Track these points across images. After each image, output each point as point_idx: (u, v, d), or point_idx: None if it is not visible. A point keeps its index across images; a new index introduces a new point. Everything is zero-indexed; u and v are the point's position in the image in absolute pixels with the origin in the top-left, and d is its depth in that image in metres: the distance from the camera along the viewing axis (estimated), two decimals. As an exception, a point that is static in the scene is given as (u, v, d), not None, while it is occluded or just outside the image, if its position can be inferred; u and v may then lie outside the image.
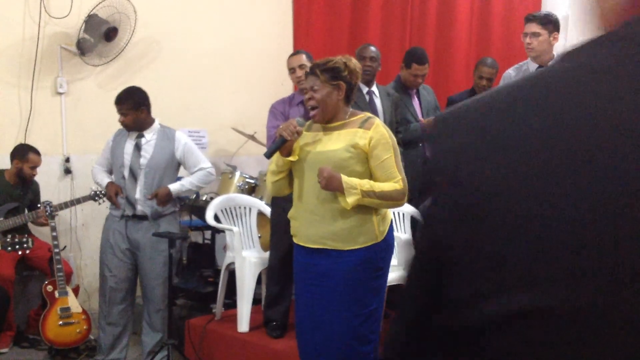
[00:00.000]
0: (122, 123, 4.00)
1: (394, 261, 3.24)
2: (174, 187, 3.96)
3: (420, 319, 0.68)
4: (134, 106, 3.92)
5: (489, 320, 0.56)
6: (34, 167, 4.48)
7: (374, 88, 4.45)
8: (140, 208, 3.95)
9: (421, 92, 4.85)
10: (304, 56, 4.46)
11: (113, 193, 3.99)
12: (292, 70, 4.49)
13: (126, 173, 3.98)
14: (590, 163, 0.49)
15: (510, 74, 4.28)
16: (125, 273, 4.01)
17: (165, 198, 3.93)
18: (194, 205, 4.76)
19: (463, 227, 0.57)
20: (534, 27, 4.01)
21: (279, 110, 4.44)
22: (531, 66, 4.14)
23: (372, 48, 4.53)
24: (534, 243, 0.52)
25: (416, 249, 0.67)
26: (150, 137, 4.00)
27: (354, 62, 2.93)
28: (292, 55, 4.52)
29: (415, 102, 4.81)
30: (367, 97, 4.38)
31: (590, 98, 0.51)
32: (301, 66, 4.43)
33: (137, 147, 3.97)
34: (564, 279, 0.50)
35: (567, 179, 0.50)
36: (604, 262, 0.49)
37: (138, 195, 3.94)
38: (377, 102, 4.43)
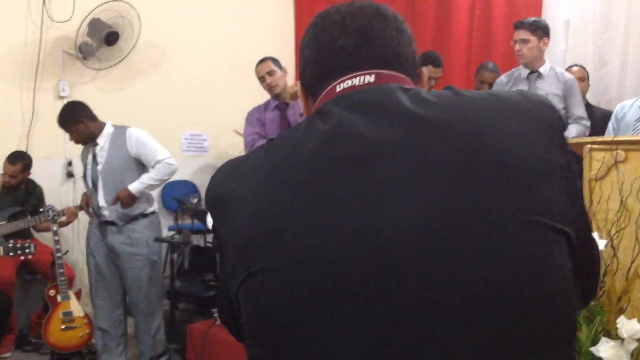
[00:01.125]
0: (73, 141, 4.00)
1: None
2: (133, 186, 3.89)
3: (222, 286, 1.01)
4: (72, 123, 3.88)
5: (238, 283, 0.89)
6: (13, 176, 4.48)
7: None
8: (107, 214, 3.93)
9: None
10: (270, 62, 4.42)
11: (84, 203, 4.04)
12: (261, 79, 4.43)
13: (89, 183, 3.98)
14: (274, 185, 0.87)
15: (503, 80, 4.28)
16: (110, 279, 3.99)
17: (127, 199, 3.87)
18: (196, 209, 4.76)
19: (223, 225, 0.94)
20: (523, 34, 4.01)
21: (255, 117, 4.42)
22: (523, 72, 4.14)
23: None
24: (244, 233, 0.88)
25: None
26: (103, 142, 3.94)
27: None
28: (258, 63, 4.45)
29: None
30: None
31: (277, 155, 0.91)
32: (269, 72, 4.40)
33: (94, 156, 3.95)
34: (264, 251, 0.85)
35: (258, 191, 0.89)
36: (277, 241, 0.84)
37: (101, 202, 3.92)
38: None
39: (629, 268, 2.47)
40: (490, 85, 4.90)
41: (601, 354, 2.25)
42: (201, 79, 5.65)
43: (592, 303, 2.35)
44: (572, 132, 4.00)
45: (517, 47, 4.06)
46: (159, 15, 5.41)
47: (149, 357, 4.00)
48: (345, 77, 0.96)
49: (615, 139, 2.98)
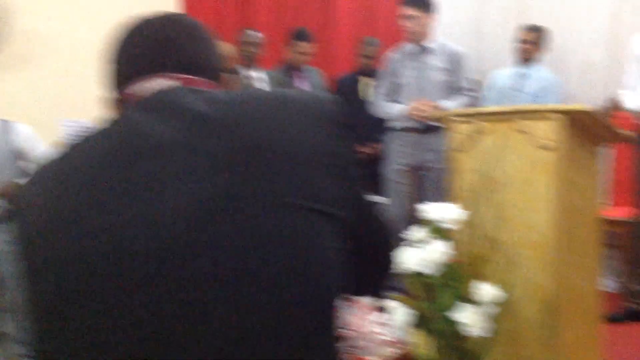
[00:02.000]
0: None
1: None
2: (21, 182, 3.76)
3: None
4: None
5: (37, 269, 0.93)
6: None
7: (254, 72, 4.56)
8: None
9: (308, 74, 4.90)
10: None
11: None
12: None
13: None
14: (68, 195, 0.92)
15: (394, 56, 4.28)
16: None
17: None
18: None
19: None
20: (410, 10, 4.03)
21: None
22: (411, 48, 4.16)
23: (250, 32, 4.67)
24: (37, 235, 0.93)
25: None
26: None
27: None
28: None
29: (304, 84, 4.84)
30: (246, 81, 4.44)
31: (68, 158, 0.97)
32: None
33: None
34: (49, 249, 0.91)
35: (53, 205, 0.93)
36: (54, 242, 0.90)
37: None
38: (258, 86, 4.52)
39: (486, 236, 2.57)
40: (374, 59, 4.96)
41: (461, 319, 2.33)
42: (83, 65, 5.44)
43: (451, 270, 2.43)
44: (453, 104, 4.00)
45: (404, 23, 4.08)
46: (35, 2, 5.18)
47: None
48: (141, 81, 1.03)
49: (477, 111, 3.07)
